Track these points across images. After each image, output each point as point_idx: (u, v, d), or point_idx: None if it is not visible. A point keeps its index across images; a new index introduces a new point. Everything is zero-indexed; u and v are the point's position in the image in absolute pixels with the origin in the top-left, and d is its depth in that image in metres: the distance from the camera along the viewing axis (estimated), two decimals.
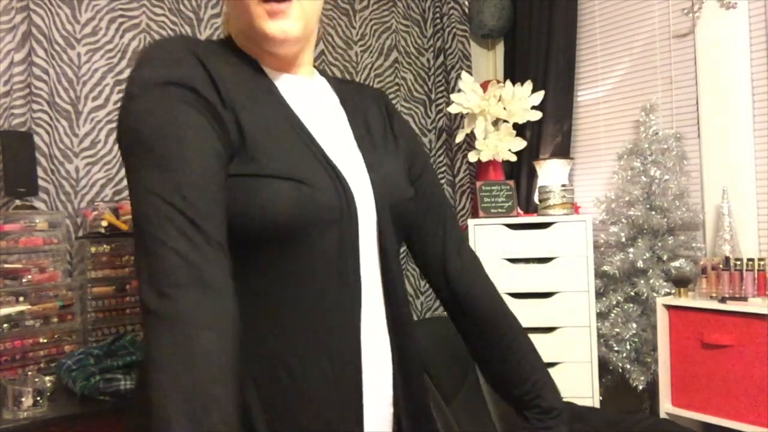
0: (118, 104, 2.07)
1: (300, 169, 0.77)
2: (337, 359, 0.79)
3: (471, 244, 2.34)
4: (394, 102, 2.82)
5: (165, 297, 0.62)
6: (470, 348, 1.04)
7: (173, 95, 0.73)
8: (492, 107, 2.50)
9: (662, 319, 2.11)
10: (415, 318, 2.78)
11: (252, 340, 0.75)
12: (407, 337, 0.91)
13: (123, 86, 2.07)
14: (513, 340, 1.01)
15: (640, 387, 2.28)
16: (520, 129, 2.62)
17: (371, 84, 2.75)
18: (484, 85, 2.62)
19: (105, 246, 1.83)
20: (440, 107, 2.93)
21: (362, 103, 1.00)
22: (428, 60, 2.95)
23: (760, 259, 2.00)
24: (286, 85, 0.88)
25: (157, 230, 0.65)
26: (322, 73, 1.01)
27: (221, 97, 0.76)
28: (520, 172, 2.77)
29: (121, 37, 2.09)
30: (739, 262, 2.03)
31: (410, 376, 0.91)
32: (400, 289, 0.90)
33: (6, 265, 1.62)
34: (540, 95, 2.53)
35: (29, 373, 1.53)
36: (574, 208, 2.39)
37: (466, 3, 2.98)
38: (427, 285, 2.84)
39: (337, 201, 0.79)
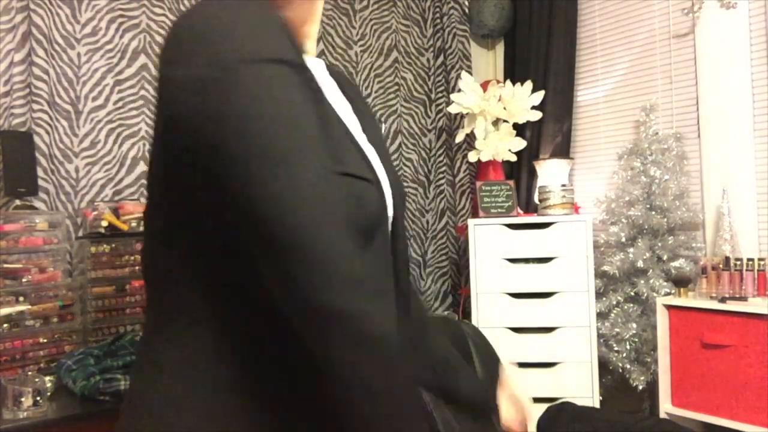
0: (118, 104, 2.07)
1: (363, 168, 0.68)
2: None
3: (471, 244, 2.34)
4: (394, 102, 2.83)
5: (359, 311, 0.55)
6: None
7: (295, 78, 0.60)
8: (492, 107, 2.50)
9: (662, 319, 2.11)
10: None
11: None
12: None
13: (123, 86, 2.08)
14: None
15: (640, 387, 2.28)
16: (520, 129, 2.62)
17: (371, 84, 2.75)
18: (484, 85, 2.62)
19: (105, 246, 1.83)
20: (440, 107, 2.93)
21: (352, 91, 0.88)
22: (428, 60, 2.95)
23: (760, 259, 2.00)
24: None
25: (325, 234, 0.55)
26: None
27: (315, 80, 0.65)
28: (520, 172, 2.77)
29: (121, 37, 2.09)
30: (739, 262, 2.03)
31: None
32: (408, 290, 0.83)
33: (6, 265, 1.62)
34: (540, 95, 2.53)
35: (29, 373, 1.53)
36: (574, 208, 2.39)
37: (466, 3, 2.98)
38: (427, 285, 2.84)
39: (383, 201, 0.71)
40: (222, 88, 0.56)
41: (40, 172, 1.87)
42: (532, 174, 2.69)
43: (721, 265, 2.06)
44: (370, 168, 0.70)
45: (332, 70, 0.86)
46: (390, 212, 0.76)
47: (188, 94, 0.58)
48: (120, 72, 2.08)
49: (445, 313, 2.79)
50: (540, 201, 2.40)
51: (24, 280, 1.64)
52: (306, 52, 0.76)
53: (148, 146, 2.13)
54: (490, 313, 2.30)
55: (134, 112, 2.10)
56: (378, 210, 0.69)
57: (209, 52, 0.57)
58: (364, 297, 0.55)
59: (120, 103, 2.08)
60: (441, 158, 2.93)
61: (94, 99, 2.03)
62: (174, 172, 0.62)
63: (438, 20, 2.93)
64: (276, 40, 0.60)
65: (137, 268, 1.87)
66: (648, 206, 2.30)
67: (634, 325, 2.27)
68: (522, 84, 2.54)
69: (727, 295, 2.00)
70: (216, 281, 0.63)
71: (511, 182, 2.50)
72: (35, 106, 1.89)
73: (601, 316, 2.35)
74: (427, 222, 2.87)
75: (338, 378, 0.55)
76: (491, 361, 1.70)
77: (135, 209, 1.92)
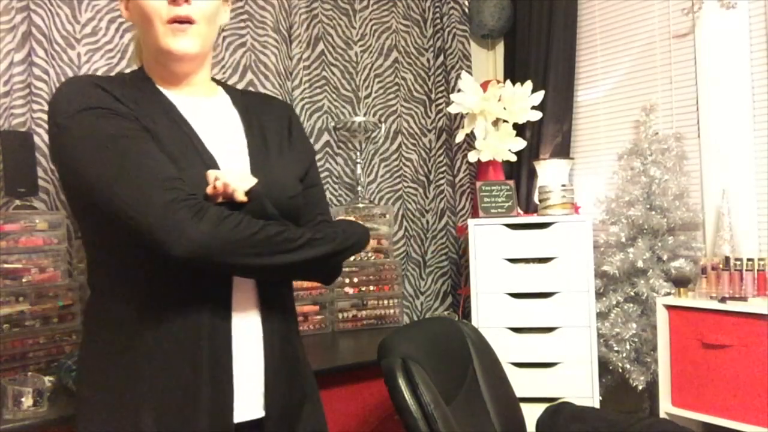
0: None
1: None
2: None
3: (471, 244, 2.34)
4: (394, 102, 2.83)
5: None
6: None
7: (101, 112, 0.97)
8: (492, 107, 2.50)
9: (662, 319, 2.11)
10: (415, 318, 2.78)
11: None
12: (278, 323, 1.09)
13: None
14: None
15: (640, 387, 2.28)
16: (520, 129, 2.62)
17: (372, 84, 2.75)
18: (484, 85, 2.62)
19: None
20: (440, 107, 2.93)
21: (264, 115, 1.18)
22: (428, 60, 2.95)
23: (760, 259, 2.00)
24: (184, 103, 1.08)
25: None
26: (227, 88, 1.20)
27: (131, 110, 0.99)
28: (520, 172, 2.77)
29: (121, 37, 2.09)
30: (739, 262, 2.03)
31: (280, 364, 1.08)
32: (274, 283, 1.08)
33: (6, 265, 1.61)
34: (540, 95, 2.53)
35: (29, 373, 1.53)
36: (574, 208, 2.39)
37: (466, 3, 2.98)
38: (427, 285, 2.84)
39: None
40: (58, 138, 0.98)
41: (40, 172, 1.87)
42: (532, 174, 2.69)
43: (721, 265, 2.06)
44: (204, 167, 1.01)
45: (246, 96, 1.20)
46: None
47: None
48: (120, 72, 2.08)
49: (445, 313, 2.79)
50: (540, 201, 2.40)
51: (24, 280, 1.64)
52: (183, 89, 1.11)
53: None
54: (490, 313, 2.30)
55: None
56: None
57: (52, 115, 0.98)
58: None
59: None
60: (441, 158, 2.93)
61: None
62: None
63: (438, 20, 2.93)
64: (85, 97, 0.97)
65: None
66: (648, 206, 2.30)
67: (634, 325, 2.27)
68: (522, 84, 2.53)
69: (727, 295, 2.00)
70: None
71: (511, 182, 2.50)
72: (35, 106, 1.89)
73: (601, 316, 2.35)
74: (427, 222, 2.87)
75: None
76: (490, 361, 1.72)
77: None
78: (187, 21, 1.01)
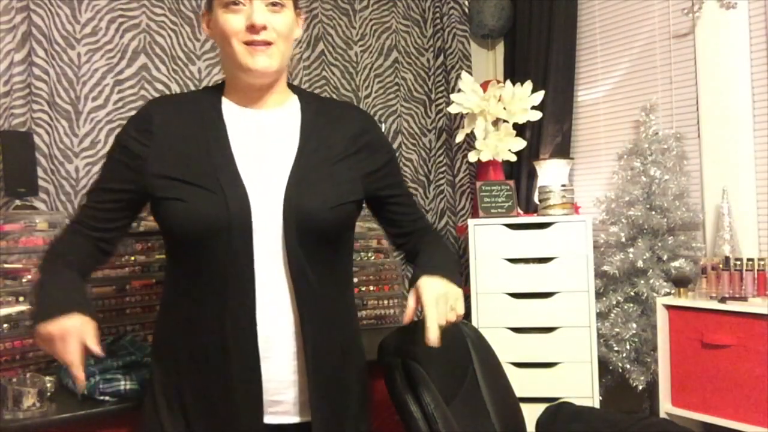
0: (118, 104, 2.09)
1: (189, 193, 1.07)
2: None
3: (471, 244, 2.34)
4: (394, 102, 2.83)
5: None
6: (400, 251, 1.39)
7: (116, 147, 1.21)
8: (492, 107, 2.50)
9: (662, 319, 2.11)
10: (415, 318, 2.78)
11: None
12: (320, 331, 1.13)
13: (123, 86, 2.09)
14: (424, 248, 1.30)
15: (640, 387, 2.28)
16: (520, 129, 2.61)
17: (372, 84, 2.75)
18: (484, 85, 2.62)
19: None
20: (440, 107, 2.92)
21: (332, 125, 1.19)
22: (428, 60, 2.95)
23: (760, 259, 2.00)
24: (240, 118, 1.15)
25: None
26: (303, 96, 1.22)
27: (147, 146, 1.14)
28: (520, 172, 2.77)
29: (121, 37, 2.09)
30: (739, 262, 2.03)
31: (323, 376, 1.14)
32: (310, 286, 1.10)
33: (6, 265, 1.61)
34: (540, 95, 2.53)
35: (29, 373, 1.53)
36: (574, 208, 2.39)
37: (466, 3, 2.98)
38: None
39: (225, 213, 1.05)
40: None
41: (40, 172, 1.87)
42: (532, 174, 2.69)
43: (721, 265, 2.06)
44: (228, 192, 1.07)
45: (320, 106, 1.22)
46: (273, 225, 1.08)
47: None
48: (120, 72, 2.08)
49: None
50: (540, 201, 2.40)
51: (24, 280, 1.64)
52: (254, 102, 1.17)
53: None
54: (490, 313, 2.30)
55: (134, 113, 2.10)
56: (193, 221, 1.06)
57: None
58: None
59: (120, 103, 2.08)
60: (441, 158, 2.93)
61: (94, 99, 2.03)
62: None
63: (438, 20, 2.93)
64: (123, 129, 1.21)
65: (137, 268, 1.87)
66: (648, 206, 2.30)
67: (634, 325, 2.27)
68: (522, 84, 2.53)
69: (727, 295, 2.00)
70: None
71: (511, 182, 2.50)
72: (35, 106, 1.89)
73: (601, 316, 2.35)
74: None
75: None
76: (490, 361, 1.72)
77: None
78: (265, 44, 1.08)
